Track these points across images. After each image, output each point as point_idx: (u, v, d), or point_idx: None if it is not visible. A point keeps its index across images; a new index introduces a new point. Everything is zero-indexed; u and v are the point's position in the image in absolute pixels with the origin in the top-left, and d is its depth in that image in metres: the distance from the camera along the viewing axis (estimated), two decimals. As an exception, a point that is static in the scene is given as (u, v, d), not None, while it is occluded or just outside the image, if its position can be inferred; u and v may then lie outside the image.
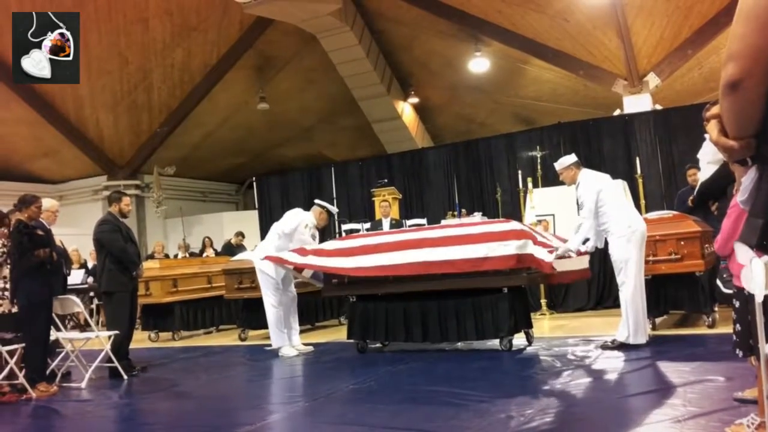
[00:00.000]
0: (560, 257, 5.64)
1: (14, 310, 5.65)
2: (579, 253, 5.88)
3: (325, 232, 11.61)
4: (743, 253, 1.65)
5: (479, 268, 5.67)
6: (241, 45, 13.33)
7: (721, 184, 3.60)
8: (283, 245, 6.77)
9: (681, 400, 3.73)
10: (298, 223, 6.83)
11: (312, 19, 12.07)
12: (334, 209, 7.16)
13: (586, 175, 5.73)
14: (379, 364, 5.88)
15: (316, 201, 7.20)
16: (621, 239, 5.46)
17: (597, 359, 5.19)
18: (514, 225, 5.85)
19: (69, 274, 7.29)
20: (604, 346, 5.57)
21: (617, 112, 11.63)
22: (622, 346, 5.45)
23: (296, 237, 6.78)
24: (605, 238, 5.66)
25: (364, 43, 13.33)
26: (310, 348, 7.00)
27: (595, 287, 8.82)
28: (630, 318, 5.45)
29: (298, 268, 6.65)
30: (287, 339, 6.89)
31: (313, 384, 5.28)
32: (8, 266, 5.69)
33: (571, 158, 5.85)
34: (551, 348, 5.90)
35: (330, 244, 6.68)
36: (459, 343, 6.34)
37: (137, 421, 4.74)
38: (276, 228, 6.89)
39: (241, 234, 12.44)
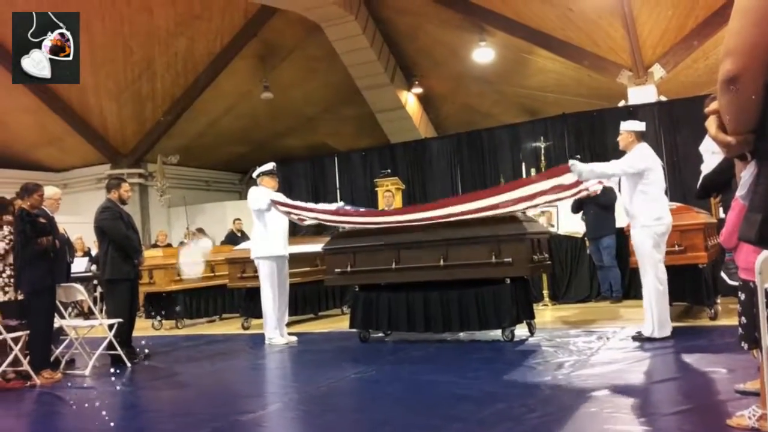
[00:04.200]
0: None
1: (20, 297, 5.68)
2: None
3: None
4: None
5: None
6: (245, 34, 13.27)
7: (725, 176, 3.59)
8: (270, 220, 6.90)
9: (683, 392, 3.74)
10: (266, 195, 6.86)
11: (316, 7, 12.03)
12: (271, 164, 7.22)
13: (646, 147, 5.52)
14: (381, 354, 5.90)
15: (255, 174, 7.25)
16: (644, 228, 5.34)
17: (599, 350, 5.20)
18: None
19: (72, 262, 7.31)
20: (634, 338, 5.49)
21: (622, 103, 11.58)
22: (645, 339, 5.37)
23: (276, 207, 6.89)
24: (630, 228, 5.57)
25: (369, 32, 13.27)
26: (295, 338, 7.02)
27: (597, 278, 8.82)
28: (654, 311, 5.36)
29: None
30: (280, 329, 6.95)
31: (315, 373, 5.29)
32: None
33: (640, 125, 5.66)
34: (553, 339, 5.90)
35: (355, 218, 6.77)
36: (461, 334, 6.35)
37: (140, 409, 4.77)
38: (255, 210, 6.93)
39: (238, 219, 12.61)
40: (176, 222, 15.44)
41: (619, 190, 5.64)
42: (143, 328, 8.75)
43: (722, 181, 3.72)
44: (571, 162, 5.25)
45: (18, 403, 5.05)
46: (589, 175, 5.28)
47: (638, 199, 5.38)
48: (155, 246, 12.12)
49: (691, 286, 6.28)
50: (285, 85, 14.42)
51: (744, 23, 1.28)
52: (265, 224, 6.94)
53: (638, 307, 6.45)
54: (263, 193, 6.91)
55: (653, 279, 5.36)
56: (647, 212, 5.35)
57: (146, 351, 6.67)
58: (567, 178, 5.37)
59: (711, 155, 4.01)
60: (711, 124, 1.42)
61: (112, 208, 6.40)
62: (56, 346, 6.25)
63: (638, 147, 5.49)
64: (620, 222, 8.37)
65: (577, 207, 8.77)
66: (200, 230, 13.38)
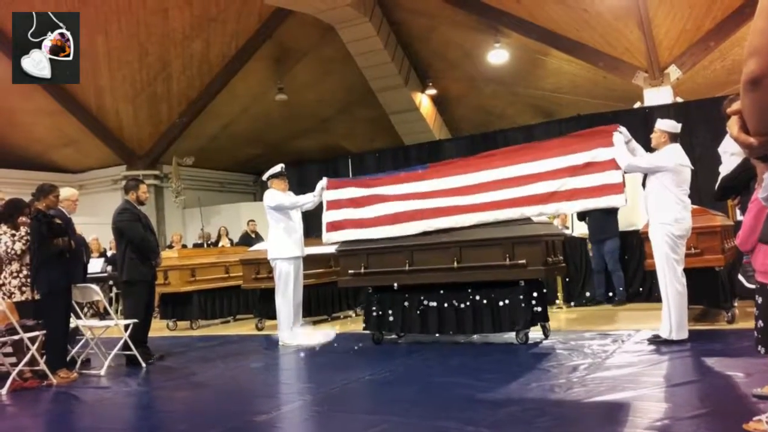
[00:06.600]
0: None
1: (37, 297, 5.74)
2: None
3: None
4: None
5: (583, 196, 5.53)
6: (260, 36, 13.33)
7: (744, 178, 3.56)
8: (286, 221, 7.01)
9: (699, 396, 3.70)
10: (281, 195, 7.02)
11: (330, 9, 12.06)
12: (279, 166, 7.34)
13: (678, 148, 5.43)
14: (394, 356, 5.90)
15: (264, 178, 7.38)
16: (662, 226, 5.29)
17: (614, 353, 5.16)
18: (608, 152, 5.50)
19: (88, 263, 7.36)
20: (650, 341, 5.43)
21: (638, 105, 11.51)
22: (662, 342, 5.32)
23: (293, 205, 7.03)
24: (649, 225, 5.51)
25: (383, 34, 13.28)
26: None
27: (611, 282, 8.75)
28: (673, 313, 5.30)
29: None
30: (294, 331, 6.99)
31: (329, 374, 5.30)
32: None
33: (674, 126, 5.53)
34: (567, 342, 5.87)
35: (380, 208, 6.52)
36: (474, 336, 6.33)
37: (155, 409, 4.79)
38: (272, 211, 7.02)
39: (252, 221, 12.61)
40: (191, 223, 15.53)
41: (643, 186, 5.57)
42: (158, 328, 8.80)
43: (741, 183, 3.68)
44: (619, 132, 5.39)
45: (34, 402, 5.10)
46: (624, 157, 5.32)
47: (660, 197, 5.33)
48: (170, 247, 12.19)
49: (707, 289, 6.22)
50: (299, 87, 14.47)
51: None
52: (282, 226, 6.97)
53: (653, 310, 6.41)
54: (280, 195, 6.98)
55: (672, 280, 5.31)
56: (667, 212, 5.29)
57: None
58: (602, 154, 5.41)
59: (730, 156, 3.98)
60: (733, 124, 1.40)
61: (131, 209, 6.45)
62: (72, 345, 6.30)
63: (669, 147, 5.43)
64: (623, 225, 8.37)
65: (582, 214, 8.68)
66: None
